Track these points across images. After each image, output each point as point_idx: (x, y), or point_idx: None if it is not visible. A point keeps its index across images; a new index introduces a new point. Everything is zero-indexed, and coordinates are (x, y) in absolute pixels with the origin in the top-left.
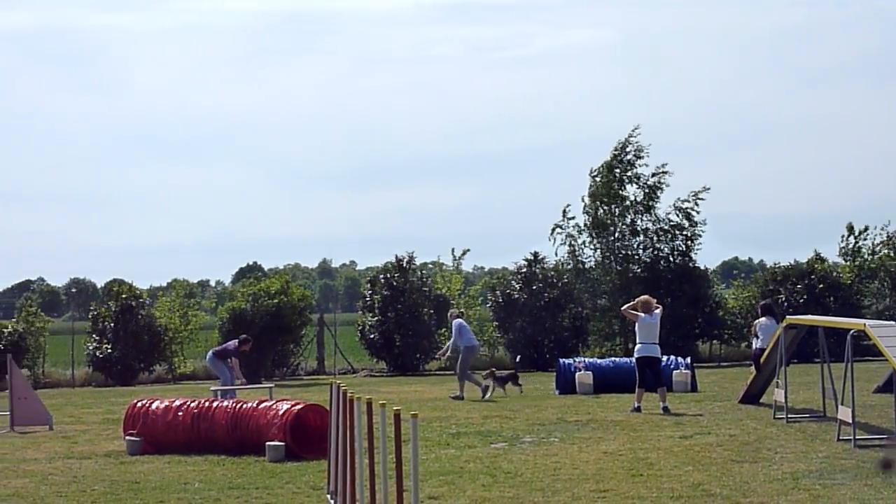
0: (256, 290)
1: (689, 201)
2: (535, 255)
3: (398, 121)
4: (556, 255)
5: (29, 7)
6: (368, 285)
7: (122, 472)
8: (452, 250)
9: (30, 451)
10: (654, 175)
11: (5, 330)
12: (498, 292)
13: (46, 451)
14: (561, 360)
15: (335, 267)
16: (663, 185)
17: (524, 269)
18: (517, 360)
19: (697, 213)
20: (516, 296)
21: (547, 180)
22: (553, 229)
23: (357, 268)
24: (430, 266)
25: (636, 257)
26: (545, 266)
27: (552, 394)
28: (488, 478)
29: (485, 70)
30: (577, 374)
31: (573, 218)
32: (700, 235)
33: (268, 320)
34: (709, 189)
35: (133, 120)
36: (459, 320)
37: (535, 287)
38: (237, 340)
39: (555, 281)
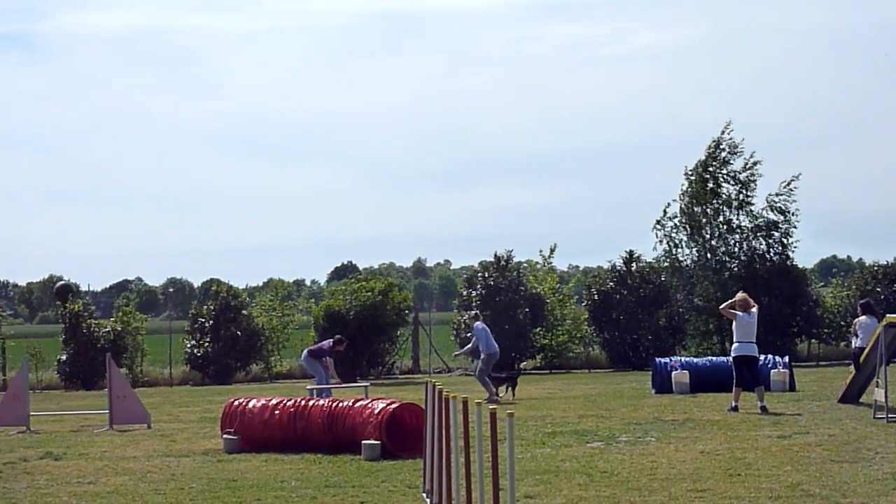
0: (356, 289)
1: (782, 194)
2: (630, 253)
3: (492, 119)
4: (655, 250)
5: (126, 9)
6: (465, 284)
7: (220, 471)
8: (540, 251)
9: (129, 449)
10: (745, 169)
11: (104, 329)
12: (593, 290)
13: (145, 450)
14: (657, 360)
15: (429, 266)
16: (756, 179)
17: (619, 268)
18: (521, 366)
19: (793, 202)
20: (611, 294)
21: (642, 178)
22: (653, 226)
23: (451, 267)
24: (525, 265)
25: (732, 255)
26: (640, 264)
27: (648, 393)
28: (584, 477)
29: (579, 68)
30: (674, 373)
31: (673, 217)
32: (796, 227)
33: (364, 320)
34: (798, 177)
35: (229, 121)
36: (482, 324)
37: (630, 285)
38: (331, 340)
39: (650, 279)
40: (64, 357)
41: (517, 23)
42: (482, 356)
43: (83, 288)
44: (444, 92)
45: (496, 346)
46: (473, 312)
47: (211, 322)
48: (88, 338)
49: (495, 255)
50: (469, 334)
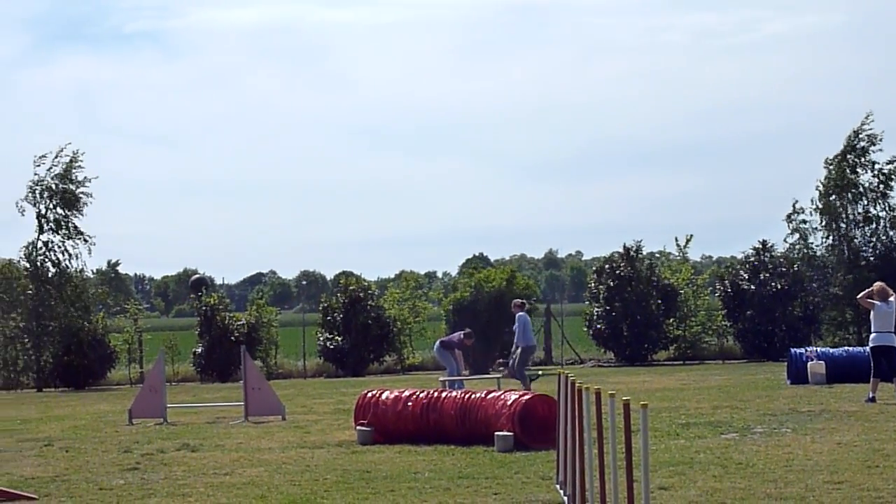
0: (479, 280)
1: None
2: (764, 243)
3: (623, 110)
4: (786, 242)
5: (258, 5)
6: (595, 275)
7: (354, 462)
8: (676, 239)
9: (264, 441)
10: (889, 162)
11: (238, 322)
12: (726, 281)
13: (280, 441)
14: (792, 350)
15: (561, 257)
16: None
17: (752, 258)
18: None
19: None
20: (745, 285)
21: (775, 168)
22: (788, 216)
23: (583, 258)
24: (657, 255)
25: (869, 245)
26: (774, 255)
27: (784, 384)
28: (719, 468)
29: (711, 57)
30: (809, 363)
31: (802, 211)
32: None
33: (492, 310)
34: None
35: (360, 114)
36: (524, 315)
37: (763, 276)
38: (462, 333)
39: (784, 269)
40: (199, 350)
41: (648, 12)
42: (518, 349)
43: (218, 281)
44: (575, 83)
45: (534, 339)
46: (520, 301)
47: (341, 315)
48: (223, 330)
49: (624, 247)
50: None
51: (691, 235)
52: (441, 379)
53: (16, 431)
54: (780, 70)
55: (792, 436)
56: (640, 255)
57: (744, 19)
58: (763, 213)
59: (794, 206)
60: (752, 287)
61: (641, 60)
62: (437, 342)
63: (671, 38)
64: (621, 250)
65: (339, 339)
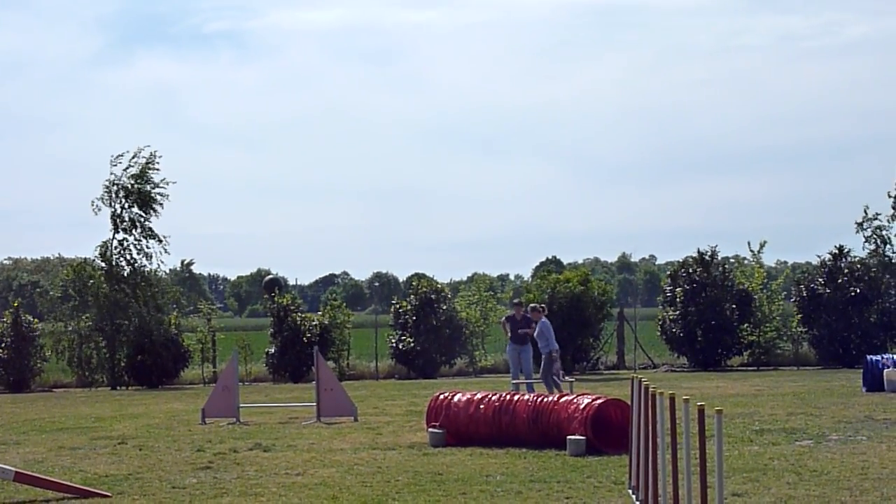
0: (554, 283)
1: None
2: (840, 248)
3: (701, 114)
4: (865, 248)
5: (337, 5)
6: (669, 280)
7: (426, 464)
8: (749, 244)
9: (336, 442)
10: None
11: (311, 323)
12: (802, 287)
13: (352, 442)
14: (868, 357)
15: (634, 261)
16: None
17: (829, 263)
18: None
19: None
20: (820, 290)
21: (854, 173)
22: (859, 224)
23: (656, 262)
24: (732, 260)
25: None
26: (851, 260)
27: (859, 391)
28: (793, 476)
29: (792, 60)
30: (886, 370)
31: (876, 217)
32: None
33: (567, 314)
34: None
35: (436, 115)
36: (545, 320)
37: (840, 281)
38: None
39: (861, 275)
40: (272, 350)
41: (727, 15)
42: (543, 355)
43: (291, 282)
44: (653, 86)
45: (555, 344)
46: (540, 307)
47: (413, 317)
48: (296, 331)
49: (698, 252)
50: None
51: (766, 241)
52: (513, 382)
53: (90, 429)
54: (861, 74)
55: (867, 443)
56: (714, 261)
57: (826, 22)
58: (840, 218)
59: (865, 211)
60: (828, 293)
61: (720, 63)
62: (509, 345)
63: (751, 41)
64: (695, 255)
65: (411, 340)
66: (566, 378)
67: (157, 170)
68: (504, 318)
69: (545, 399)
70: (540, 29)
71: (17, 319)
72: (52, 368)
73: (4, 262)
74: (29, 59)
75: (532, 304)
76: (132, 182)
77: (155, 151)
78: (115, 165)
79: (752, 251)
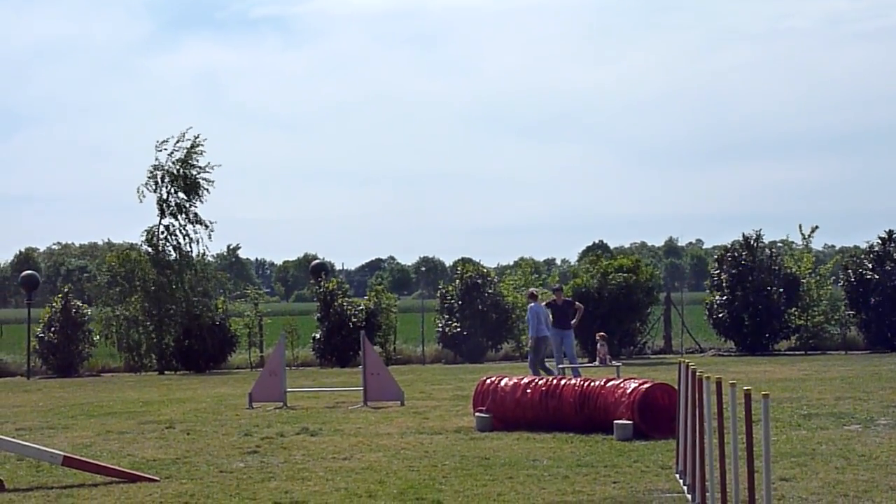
0: (604, 268)
1: None
2: (890, 233)
3: (749, 97)
4: None
5: None
6: (716, 264)
7: (472, 448)
8: (800, 227)
9: (382, 426)
10: None
11: (357, 307)
12: (850, 271)
13: (398, 426)
14: None
15: (681, 245)
16: None
17: (877, 248)
18: None
19: None
20: (869, 275)
21: None
22: None
23: (703, 246)
24: (780, 244)
25: None
26: None
27: None
28: (842, 460)
29: (840, 43)
30: None
31: None
32: None
33: (615, 299)
34: None
35: (481, 100)
36: (536, 305)
37: (889, 266)
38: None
39: None
40: (319, 335)
41: None
42: (530, 340)
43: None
44: (700, 69)
45: (545, 330)
46: (533, 291)
47: (459, 301)
48: (342, 316)
49: (743, 236)
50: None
51: (816, 226)
52: (560, 366)
53: (138, 414)
54: None
55: None
56: (759, 245)
57: (874, 4)
58: (890, 202)
59: None
60: (877, 277)
61: (768, 47)
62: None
63: (799, 23)
64: (741, 239)
65: (457, 325)
66: (613, 362)
67: (203, 153)
68: (545, 304)
69: (592, 383)
70: (585, 12)
71: (66, 304)
72: (100, 353)
73: (53, 247)
74: (77, 46)
75: (529, 290)
76: (177, 167)
77: (199, 135)
78: (160, 151)
79: (802, 235)
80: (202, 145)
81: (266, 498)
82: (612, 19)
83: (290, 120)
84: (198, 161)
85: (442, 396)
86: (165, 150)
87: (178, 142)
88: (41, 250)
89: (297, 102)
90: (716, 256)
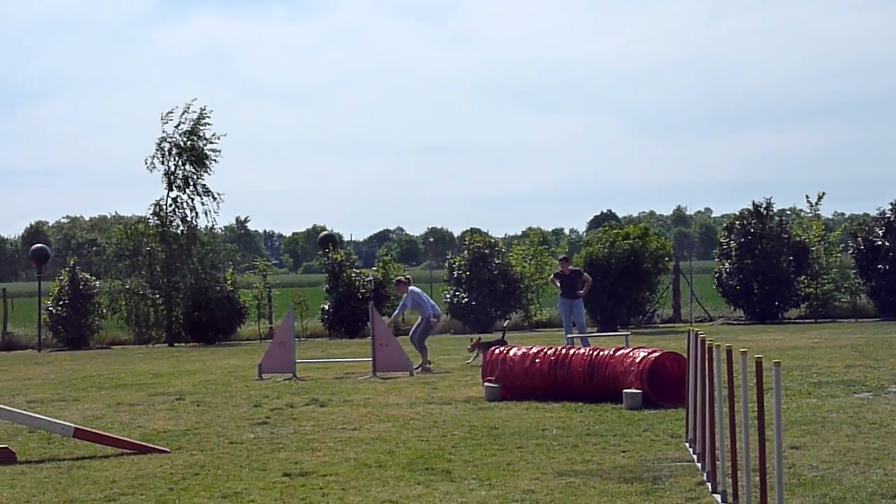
0: (614, 237)
1: None
2: None
3: (756, 64)
4: None
5: None
6: (724, 232)
7: (482, 418)
8: (807, 196)
9: (391, 397)
10: None
11: (366, 279)
12: (859, 239)
13: (407, 397)
14: None
15: (689, 214)
16: None
17: (888, 215)
18: (505, 324)
19: None
20: (879, 242)
21: None
22: None
23: (712, 215)
24: (789, 212)
25: None
26: None
27: None
28: (852, 428)
29: (847, 8)
30: None
31: None
32: None
33: (624, 268)
34: None
35: (489, 70)
36: (413, 288)
37: None
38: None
39: None
40: (327, 306)
41: None
42: (433, 320)
43: (346, 238)
44: (707, 37)
45: (437, 309)
46: (403, 279)
47: (467, 272)
48: (351, 287)
49: (753, 204)
50: None
51: (823, 193)
52: (568, 336)
53: (148, 385)
54: None
55: None
56: (769, 213)
57: None
58: None
59: None
60: (887, 244)
61: (775, 13)
62: (558, 299)
63: None
64: (751, 207)
65: (465, 295)
66: (622, 332)
67: (209, 125)
68: (553, 275)
69: (601, 353)
70: None
71: (75, 277)
72: (109, 326)
73: (62, 220)
74: (82, 19)
75: (398, 279)
76: (184, 139)
77: (205, 106)
78: (167, 122)
79: (809, 203)
80: (209, 117)
81: (276, 468)
82: None
83: (297, 91)
84: (204, 132)
85: (451, 366)
86: (171, 121)
87: (183, 113)
88: (51, 224)
89: (304, 73)
90: (724, 225)
